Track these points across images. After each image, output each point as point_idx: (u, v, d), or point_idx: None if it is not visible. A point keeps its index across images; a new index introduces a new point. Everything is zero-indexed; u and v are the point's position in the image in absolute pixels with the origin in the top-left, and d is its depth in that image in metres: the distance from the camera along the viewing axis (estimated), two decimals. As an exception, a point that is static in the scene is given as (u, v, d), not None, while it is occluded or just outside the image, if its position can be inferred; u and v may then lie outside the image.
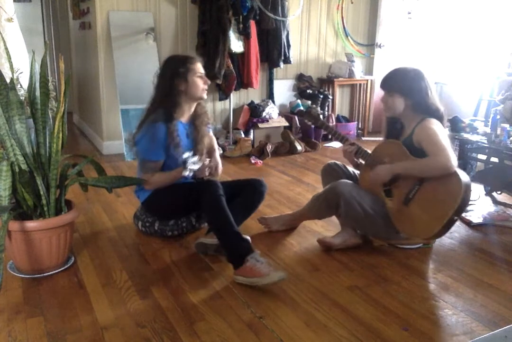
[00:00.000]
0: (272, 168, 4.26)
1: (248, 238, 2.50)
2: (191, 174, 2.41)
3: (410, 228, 2.38)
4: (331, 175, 2.73)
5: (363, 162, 2.64)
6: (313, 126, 2.81)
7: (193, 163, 2.38)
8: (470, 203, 2.32)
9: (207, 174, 2.52)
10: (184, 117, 2.60)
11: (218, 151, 2.78)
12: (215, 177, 2.66)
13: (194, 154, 2.45)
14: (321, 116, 2.73)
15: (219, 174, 2.69)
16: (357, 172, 2.75)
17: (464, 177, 2.24)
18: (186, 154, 2.38)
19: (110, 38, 4.44)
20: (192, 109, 2.62)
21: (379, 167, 2.41)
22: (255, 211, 2.71)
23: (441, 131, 2.33)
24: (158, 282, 2.20)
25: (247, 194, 2.63)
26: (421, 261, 2.45)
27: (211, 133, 2.82)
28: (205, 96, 2.58)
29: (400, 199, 2.39)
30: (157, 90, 2.57)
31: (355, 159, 2.64)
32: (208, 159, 2.57)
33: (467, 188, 2.22)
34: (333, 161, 2.82)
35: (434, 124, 2.36)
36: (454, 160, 2.23)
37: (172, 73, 2.50)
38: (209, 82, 2.59)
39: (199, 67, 2.56)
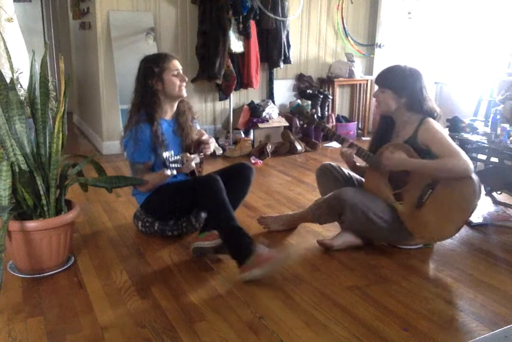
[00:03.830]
0: (272, 168, 4.26)
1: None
2: (175, 172, 2.36)
3: (424, 231, 2.41)
4: (326, 176, 2.72)
5: (360, 164, 2.65)
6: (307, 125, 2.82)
7: (174, 162, 2.32)
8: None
9: (193, 167, 2.47)
10: (167, 115, 2.61)
11: (206, 134, 2.77)
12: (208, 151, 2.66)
13: (176, 154, 2.37)
14: (315, 116, 2.71)
15: (211, 149, 2.69)
16: (353, 173, 2.74)
17: (477, 180, 2.28)
18: (165, 154, 2.32)
19: (110, 38, 4.44)
20: (175, 107, 2.62)
21: (394, 155, 2.36)
22: (245, 196, 2.72)
23: (447, 134, 2.36)
24: (158, 282, 2.20)
25: (234, 181, 2.62)
26: (421, 261, 2.44)
27: (197, 127, 2.82)
28: (184, 94, 2.57)
29: (412, 202, 2.39)
30: (136, 92, 2.56)
31: (354, 161, 2.62)
32: (193, 155, 2.51)
33: (480, 190, 2.29)
34: (328, 162, 2.80)
35: (438, 126, 2.37)
36: (471, 164, 2.25)
37: (147, 74, 2.50)
38: (186, 79, 2.57)
39: (174, 65, 2.54)
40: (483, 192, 2.34)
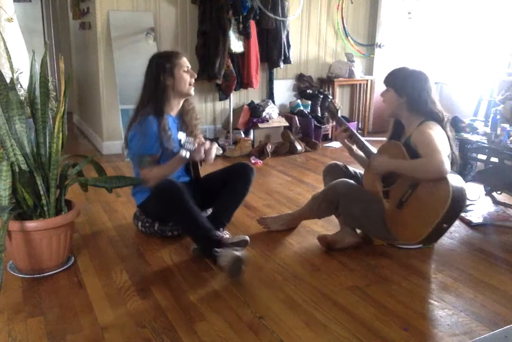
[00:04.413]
0: (272, 168, 4.26)
1: (247, 237, 2.50)
2: (188, 155, 2.39)
3: (400, 231, 2.35)
4: (332, 175, 2.74)
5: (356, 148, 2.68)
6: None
7: (189, 143, 2.37)
8: (461, 211, 2.24)
9: (202, 155, 2.48)
10: (173, 112, 2.63)
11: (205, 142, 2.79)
12: (209, 161, 2.65)
13: (187, 135, 2.43)
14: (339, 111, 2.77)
15: (211, 160, 2.66)
16: (358, 171, 2.76)
17: (455, 183, 2.15)
18: (180, 134, 2.36)
19: (110, 38, 4.44)
20: (180, 104, 2.65)
21: (378, 158, 2.43)
22: (245, 196, 2.72)
23: (438, 136, 2.29)
24: (158, 282, 2.20)
25: (235, 180, 2.66)
26: (421, 261, 2.45)
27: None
28: (192, 92, 2.62)
29: (394, 201, 2.38)
30: (145, 88, 2.60)
31: (348, 144, 2.63)
32: (202, 140, 2.56)
33: (457, 195, 2.12)
34: (334, 162, 2.84)
35: (432, 128, 2.33)
36: (447, 165, 2.16)
37: (159, 69, 2.53)
38: (195, 75, 2.62)
39: (185, 61, 2.59)
40: (467, 194, 2.20)
